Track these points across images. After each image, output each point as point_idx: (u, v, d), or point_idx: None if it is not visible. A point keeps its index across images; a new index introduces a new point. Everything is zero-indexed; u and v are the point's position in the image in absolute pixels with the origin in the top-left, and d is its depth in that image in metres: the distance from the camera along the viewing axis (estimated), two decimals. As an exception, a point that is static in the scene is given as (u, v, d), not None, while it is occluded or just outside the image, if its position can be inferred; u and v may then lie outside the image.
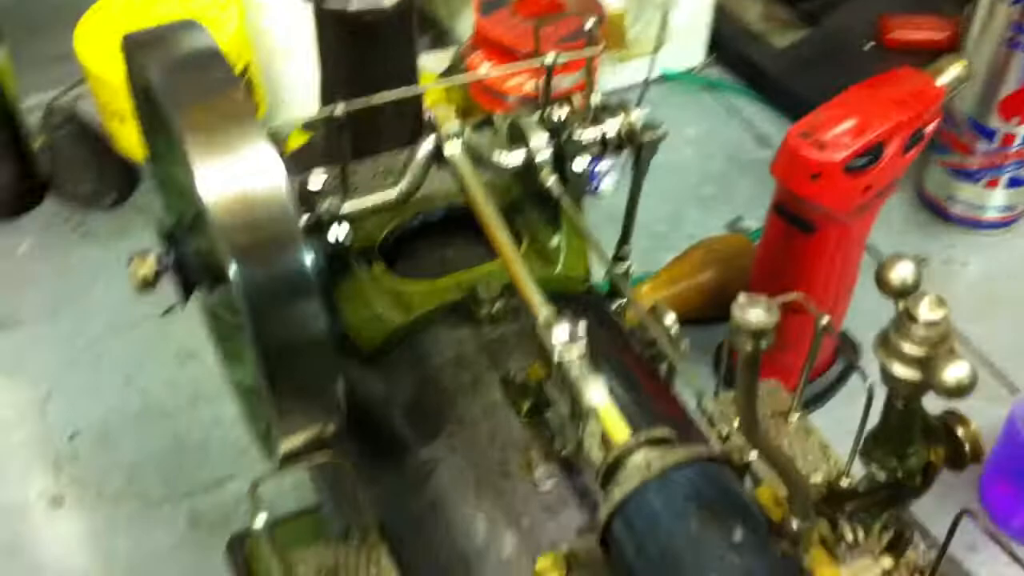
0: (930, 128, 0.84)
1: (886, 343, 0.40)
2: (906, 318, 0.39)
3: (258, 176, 0.50)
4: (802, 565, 0.43)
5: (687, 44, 1.27)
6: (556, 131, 0.63)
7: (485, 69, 1.04)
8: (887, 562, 0.44)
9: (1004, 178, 1.07)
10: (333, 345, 0.53)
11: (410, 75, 0.70)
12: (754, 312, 0.37)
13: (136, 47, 0.56)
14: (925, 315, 0.39)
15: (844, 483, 0.48)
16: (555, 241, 0.65)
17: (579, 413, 0.48)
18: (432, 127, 0.63)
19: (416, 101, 0.73)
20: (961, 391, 0.37)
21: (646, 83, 1.16)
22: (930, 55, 0.90)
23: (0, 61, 1.05)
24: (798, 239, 0.84)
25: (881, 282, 0.41)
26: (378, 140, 0.70)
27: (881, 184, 0.82)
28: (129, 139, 1.04)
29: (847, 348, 0.93)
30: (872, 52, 1.24)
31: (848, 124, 0.80)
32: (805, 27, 1.29)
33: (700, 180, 1.16)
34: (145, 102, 0.60)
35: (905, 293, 0.40)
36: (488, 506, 0.56)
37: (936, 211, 1.12)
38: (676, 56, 1.26)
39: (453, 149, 0.62)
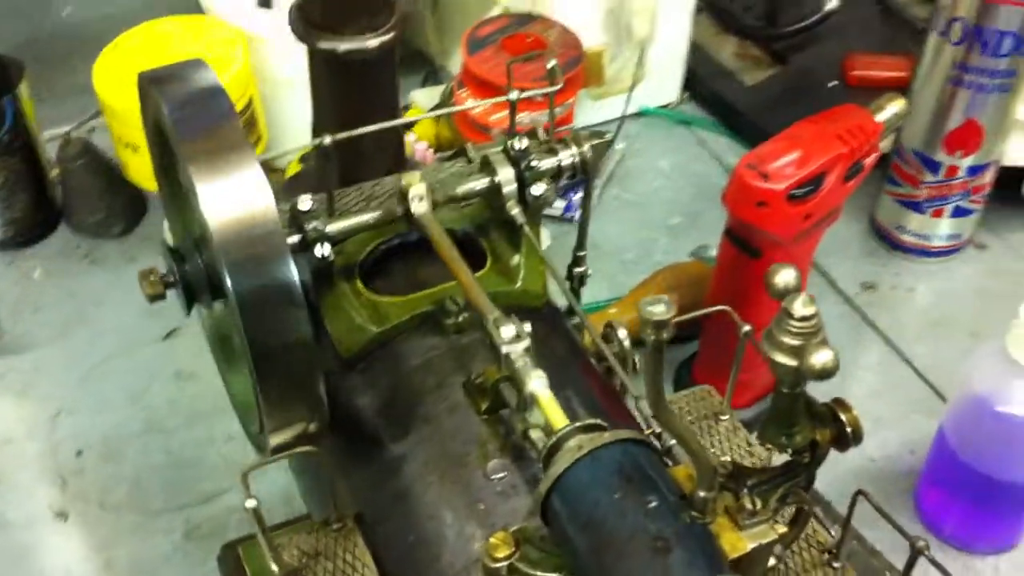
0: (869, 160, 0.89)
1: (770, 336, 0.47)
2: (784, 315, 0.46)
3: (251, 198, 0.57)
4: (708, 530, 0.50)
5: (664, 81, 1.32)
6: (516, 160, 0.71)
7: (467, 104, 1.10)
8: (781, 528, 0.51)
9: (949, 208, 1.11)
10: (316, 350, 0.60)
11: (391, 110, 0.77)
12: (655, 308, 0.44)
13: (149, 83, 0.62)
14: (799, 311, 0.46)
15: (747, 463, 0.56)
16: (515, 260, 0.71)
17: (523, 401, 0.55)
18: (403, 193, 0.69)
19: (397, 134, 0.79)
20: (826, 374, 0.45)
21: (622, 118, 1.24)
22: (891, 92, 0.94)
23: (23, 96, 1.09)
24: (746, 263, 0.89)
25: (768, 285, 0.48)
26: (361, 169, 0.75)
27: (821, 212, 0.88)
28: (140, 169, 1.08)
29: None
30: (836, 89, 1.28)
31: (792, 156, 0.85)
32: (775, 65, 1.34)
33: (670, 210, 1.21)
34: (156, 132, 0.67)
35: (787, 295, 0.47)
36: (449, 494, 0.62)
37: (887, 240, 1.16)
38: (654, 93, 1.32)
39: (419, 209, 0.69)
